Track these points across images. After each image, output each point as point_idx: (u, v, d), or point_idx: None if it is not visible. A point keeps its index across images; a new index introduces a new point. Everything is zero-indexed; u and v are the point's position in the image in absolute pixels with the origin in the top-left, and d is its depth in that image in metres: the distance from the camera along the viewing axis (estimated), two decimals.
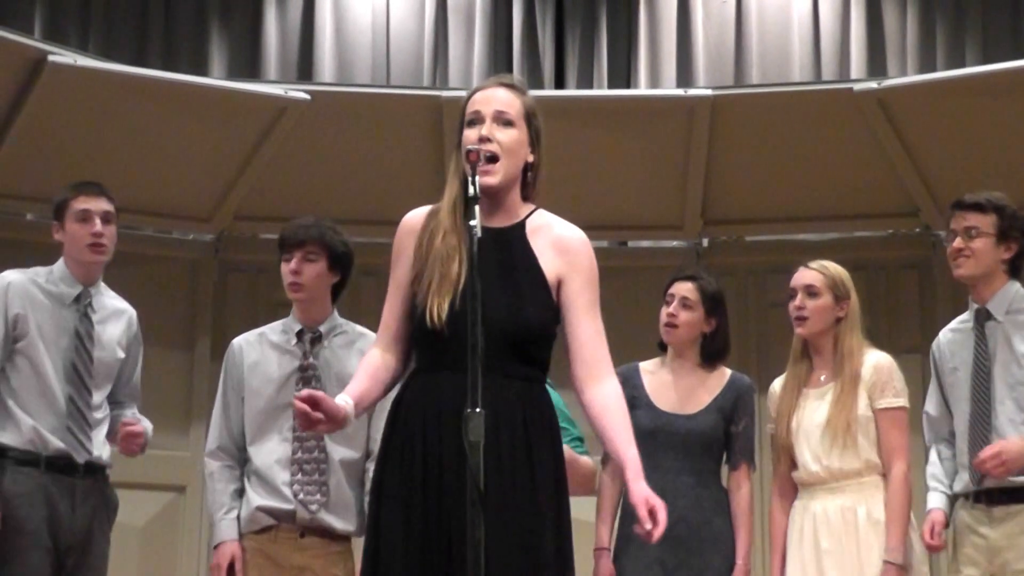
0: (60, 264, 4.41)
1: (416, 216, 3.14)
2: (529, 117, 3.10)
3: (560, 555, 2.96)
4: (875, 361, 4.37)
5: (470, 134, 3.05)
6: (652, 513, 2.88)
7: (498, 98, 3.08)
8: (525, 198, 3.14)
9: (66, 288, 4.37)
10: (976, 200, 4.24)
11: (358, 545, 4.31)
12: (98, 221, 4.33)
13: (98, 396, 4.36)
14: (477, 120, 3.06)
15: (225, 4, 8.09)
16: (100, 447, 4.33)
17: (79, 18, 7.91)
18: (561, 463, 3.04)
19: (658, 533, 2.88)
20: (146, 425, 4.39)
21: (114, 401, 4.47)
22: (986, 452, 4.05)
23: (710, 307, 4.48)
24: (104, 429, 4.37)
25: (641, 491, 2.92)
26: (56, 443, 4.22)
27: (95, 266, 4.41)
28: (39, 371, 4.27)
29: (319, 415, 2.90)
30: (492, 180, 3.02)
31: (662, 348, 4.57)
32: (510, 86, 3.13)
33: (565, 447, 3.18)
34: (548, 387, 3.15)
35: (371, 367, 3.11)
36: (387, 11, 8.04)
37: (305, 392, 2.94)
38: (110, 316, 4.45)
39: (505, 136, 3.05)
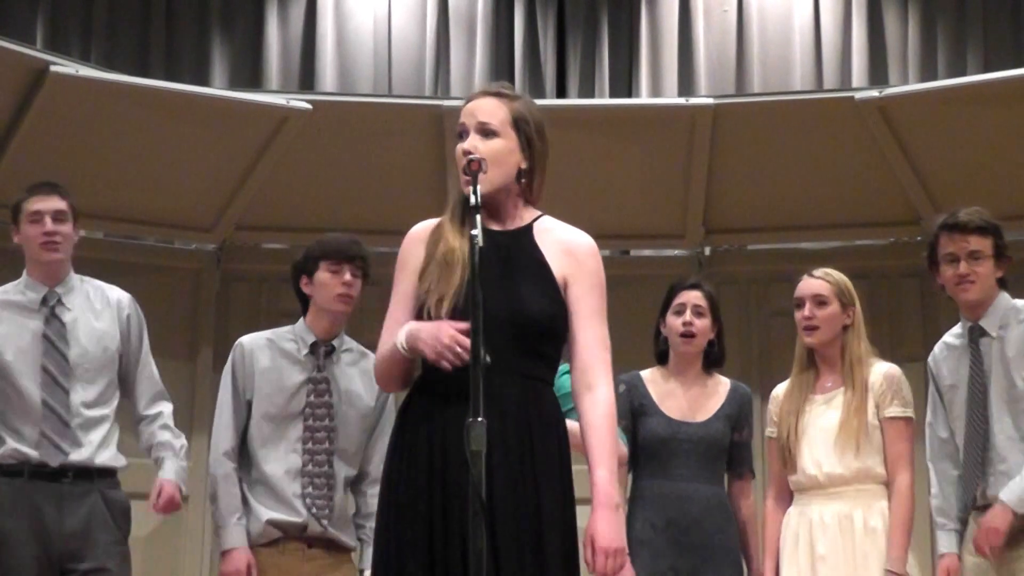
0: (25, 272, 4.39)
1: (423, 227, 3.15)
2: (517, 123, 3.08)
3: (567, 558, 2.96)
4: (885, 370, 4.37)
5: (457, 148, 3.06)
6: (594, 552, 2.90)
7: (481, 109, 3.08)
8: (528, 203, 3.13)
9: (32, 294, 4.34)
10: (980, 223, 4.19)
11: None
12: (48, 220, 4.31)
13: (84, 394, 4.27)
14: (463, 133, 3.08)
15: (227, 14, 8.10)
16: (93, 448, 4.24)
17: (81, 28, 7.92)
18: (567, 463, 3.04)
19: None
20: (168, 473, 4.33)
21: (137, 400, 4.40)
22: (979, 537, 4.05)
23: (715, 314, 4.54)
24: (101, 429, 4.28)
25: (601, 527, 2.91)
26: (35, 451, 4.18)
27: (54, 265, 4.35)
28: (14, 385, 4.23)
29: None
30: (478, 188, 3.00)
31: (661, 360, 4.58)
32: (496, 94, 3.12)
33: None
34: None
35: None
36: (389, 20, 8.04)
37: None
38: (90, 309, 4.37)
39: (487, 147, 3.04)
